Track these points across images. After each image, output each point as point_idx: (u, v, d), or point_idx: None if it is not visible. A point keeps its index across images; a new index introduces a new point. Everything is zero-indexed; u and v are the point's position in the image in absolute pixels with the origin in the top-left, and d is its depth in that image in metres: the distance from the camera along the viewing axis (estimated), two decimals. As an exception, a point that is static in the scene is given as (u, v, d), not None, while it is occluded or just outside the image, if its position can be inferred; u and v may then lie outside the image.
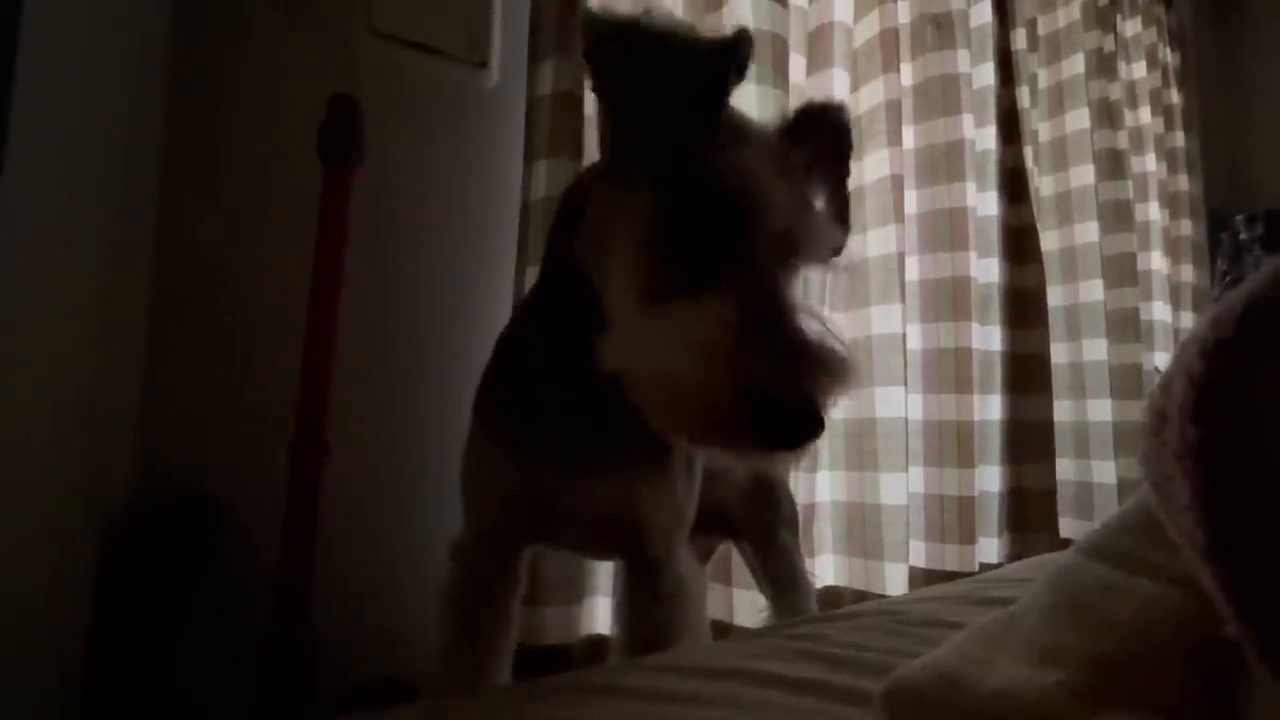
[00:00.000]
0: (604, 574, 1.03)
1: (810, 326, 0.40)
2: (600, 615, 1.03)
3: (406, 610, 0.98)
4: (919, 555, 1.34)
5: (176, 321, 0.94)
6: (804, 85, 1.27)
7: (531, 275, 1.02)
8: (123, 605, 0.82)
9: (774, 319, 0.39)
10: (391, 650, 0.97)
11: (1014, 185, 1.56)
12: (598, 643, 1.02)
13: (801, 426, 0.38)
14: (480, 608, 0.64)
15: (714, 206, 0.43)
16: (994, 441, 1.47)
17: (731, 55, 0.44)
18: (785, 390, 0.37)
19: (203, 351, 0.95)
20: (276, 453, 0.82)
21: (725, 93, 0.44)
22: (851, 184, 1.54)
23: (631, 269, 0.44)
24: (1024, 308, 1.54)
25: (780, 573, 0.87)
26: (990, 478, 1.45)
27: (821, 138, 0.52)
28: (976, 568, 1.31)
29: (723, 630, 1.04)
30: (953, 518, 1.33)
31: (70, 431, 0.75)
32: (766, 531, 0.86)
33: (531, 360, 0.57)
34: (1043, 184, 1.74)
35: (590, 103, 1.09)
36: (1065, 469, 1.63)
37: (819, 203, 0.52)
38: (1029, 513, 1.49)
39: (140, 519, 0.87)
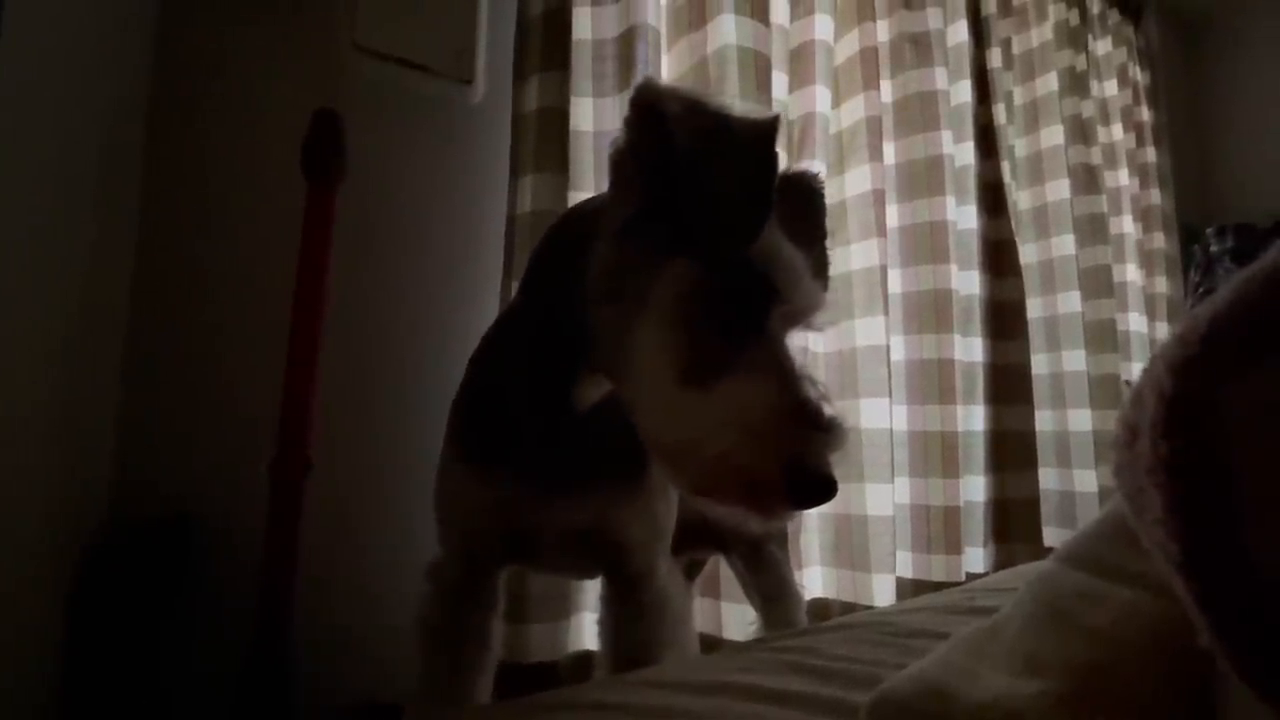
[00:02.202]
0: (589, 590, 1.02)
1: (818, 395, 0.45)
2: (586, 632, 1.02)
3: (389, 630, 0.97)
4: (906, 566, 1.34)
5: (156, 336, 0.93)
6: (787, 101, 1.29)
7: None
8: (99, 625, 0.80)
9: (800, 394, 0.44)
10: (373, 671, 0.95)
11: (992, 199, 1.59)
12: (584, 659, 1.01)
13: (826, 490, 0.43)
14: (458, 629, 0.64)
15: (747, 285, 0.47)
16: (977, 451, 1.48)
17: (775, 138, 0.48)
18: (818, 462, 0.43)
19: (183, 366, 0.94)
20: (257, 469, 0.81)
21: (774, 176, 0.47)
22: (834, 198, 1.55)
23: (669, 345, 0.47)
24: (1004, 319, 1.57)
25: (769, 584, 0.87)
26: (974, 488, 1.47)
27: (797, 203, 0.54)
28: (963, 577, 1.32)
29: (712, 644, 1.03)
30: (938, 528, 1.34)
31: (46, 447, 0.74)
32: (755, 543, 0.87)
33: (508, 383, 0.58)
34: (1020, 198, 1.77)
35: (578, 118, 1.10)
36: (1047, 478, 1.65)
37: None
38: (1013, 522, 1.50)
39: (117, 536, 0.85)
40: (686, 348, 0.46)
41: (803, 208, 0.55)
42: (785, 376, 0.45)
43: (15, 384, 0.68)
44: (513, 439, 0.57)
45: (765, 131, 0.47)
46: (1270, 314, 0.20)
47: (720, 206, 0.46)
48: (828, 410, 0.45)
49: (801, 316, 0.50)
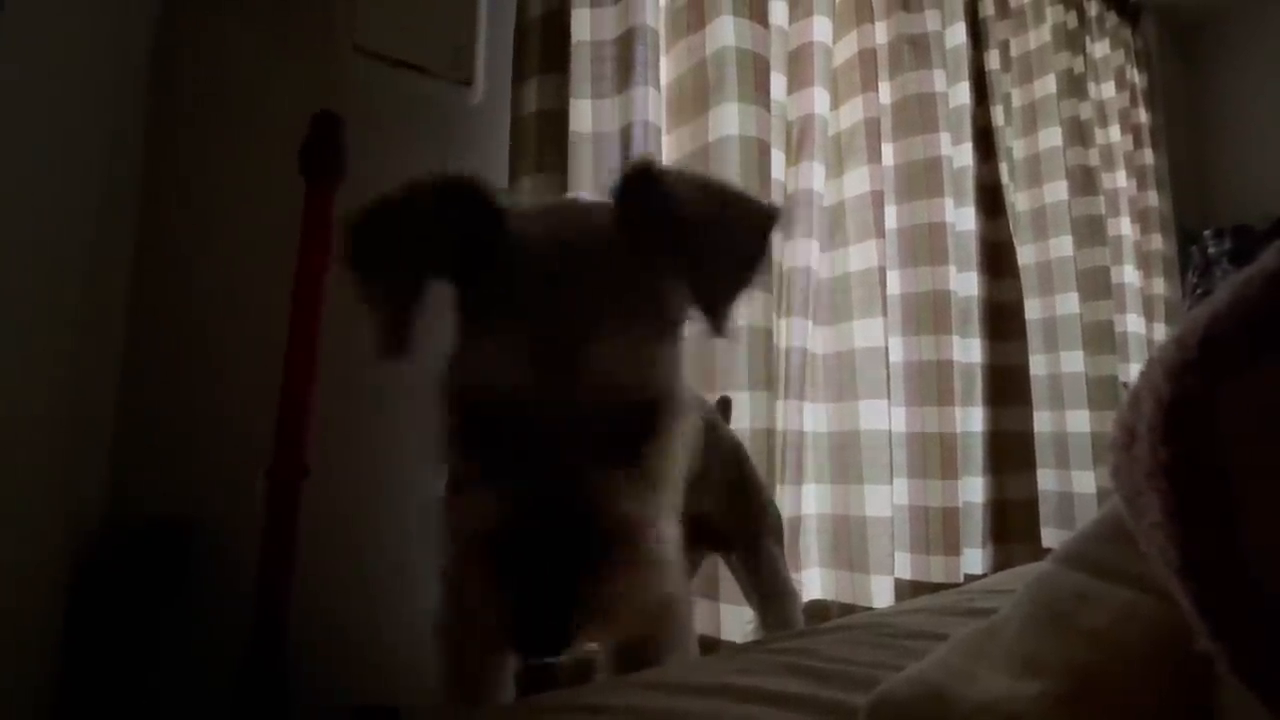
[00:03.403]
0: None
1: (590, 510, 0.38)
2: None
3: (386, 635, 0.97)
4: (904, 567, 1.34)
5: (154, 338, 0.92)
6: (785, 103, 1.29)
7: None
8: (94, 630, 0.80)
9: (520, 519, 0.37)
10: (370, 675, 0.95)
11: (990, 201, 1.60)
12: (584, 662, 1.01)
13: (538, 639, 0.36)
14: (475, 635, 0.63)
15: (467, 402, 0.41)
16: (976, 453, 1.49)
17: (444, 199, 0.45)
18: (511, 610, 0.36)
19: (180, 370, 0.94)
20: (254, 474, 0.81)
21: (442, 242, 0.44)
22: (833, 199, 1.55)
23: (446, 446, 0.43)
24: (1003, 321, 1.57)
25: (766, 582, 0.87)
26: (973, 489, 1.47)
27: (648, 205, 0.44)
28: (961, 579, 1.32)
29: (710, 645, 1.03)
30: (937, 529, 1.34)
31: (41, 452, 0.73)
32: (752, 541, 0.86)
33: None
34: (1018, 199, 1.78)
35: (578, 120, 1.10)
36: (1046, 479, 1.65)
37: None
38: (1011, 523, 1.50)
39: (113, 542, 0.85)
40: (452, 449, 0.43)
41: (653, 214, 0.43)
42: (513, 496, 0.37)
43: (11, 387, 0.68)
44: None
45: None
46: (1268, 316, 0.21)
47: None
48: (579, 528, 0.37)
49: (577, 406, 0.39)
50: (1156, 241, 2.18)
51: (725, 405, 1.01)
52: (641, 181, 0.45)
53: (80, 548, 0.81)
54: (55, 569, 0.78)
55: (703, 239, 0.44)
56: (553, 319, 0.40)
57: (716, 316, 0.43)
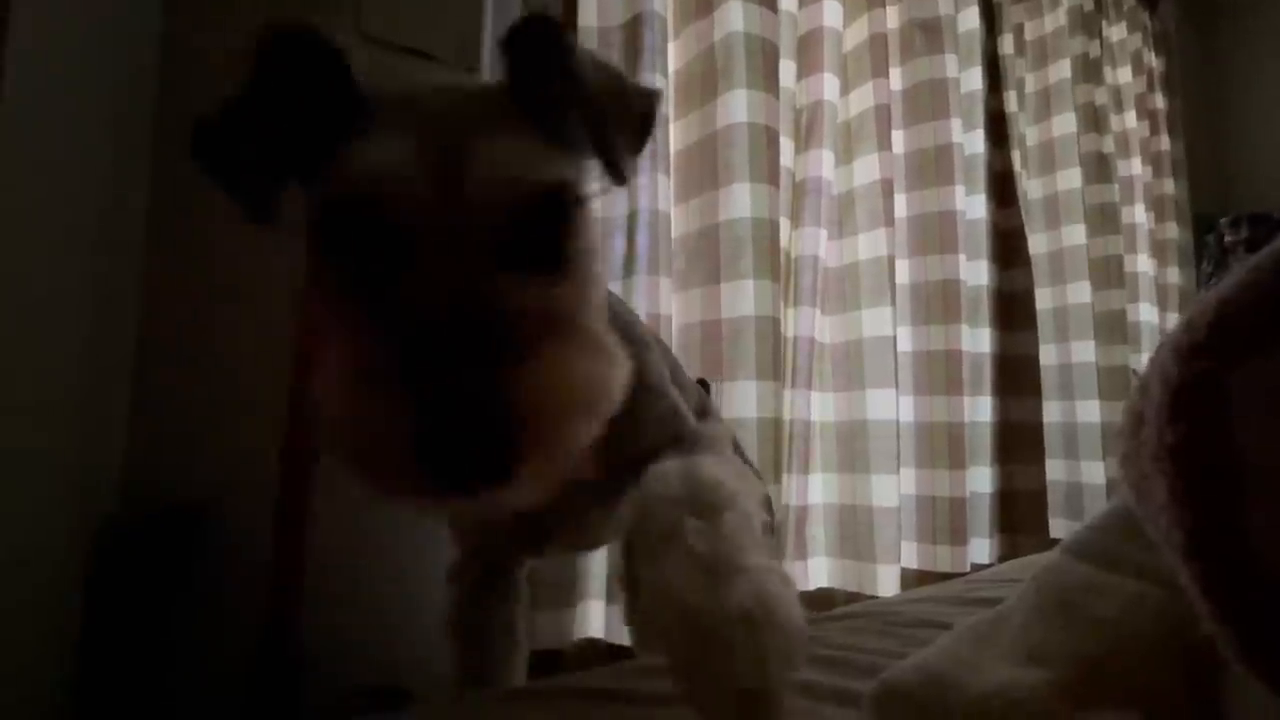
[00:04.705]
0: (597, 579, 1.02)
1: (505, 302, 0.32)
2: (593, 619, 1.03)
3: (399, 618, 0.98)
4: (911, 557, 1.34)
5: (166, 326, 0.93)
6: (794, 90, 1.28)
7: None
8: (110, 614, 0.81)
9: (429, 316, 0.31)
10: (382, 658, 0.96)
11: (1002, 189, 1.58)
12: (590, 647, 1.02)
13: (466, 442, 0.29)
14: (484, 625, 0.63)
15: (346, 221, 0.36)
16: (984, 443, 1.48)
17: (263, 60, 0.39)
18: (435, 399, 0.29)
19: (193, 357, 0.94)
20: (267, 459, 0.82)
21: (267, 100, 0.38)
22: (842, 187, 1.53)
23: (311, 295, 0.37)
24: (1013, 310, 1.55)
25: None
26: (981, 479, 1.46)
27: (538, 61, 0.40)
28: (968, 569, 1.31)
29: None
30: (944, 519, 1.34)
31: (57, 437, 0.74)
32: None
33: None
34: (1030, 187, 1.75)
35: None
36: (1055, 470, 1.64)
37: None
38: (1019, 513, 1.50)
39: (128, 526, 0.86)
40: (322, 309, 0.36)
41: (539, 59, 0.40)
42: (413, 303, 0.31)
43: (25, 375, 0.69)
44: None
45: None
46: (1278, 300, 0.20)
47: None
48: (494, 316, 0.31)
49: (468, 196, 0.34)
50: (1171, 230, 2.15)
51: (703, 388, 1.00)
52: (537, 33, 0.41)
53: (94, 534, 0.83)
54: (70, 556, 0.79)
55: (602, 97, 0.40)
56: (436, 123, 0.36)
57: (615, 167, 0.39)
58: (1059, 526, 1.57)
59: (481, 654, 0.62)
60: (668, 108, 1.13)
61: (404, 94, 0.40)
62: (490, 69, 1.01)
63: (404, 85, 0.41)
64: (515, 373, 0.30)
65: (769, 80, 1.15)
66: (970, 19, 1.58)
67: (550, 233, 0.37)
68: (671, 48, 1.18)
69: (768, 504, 0.89)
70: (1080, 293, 1.72)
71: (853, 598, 1.23)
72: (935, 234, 1.41)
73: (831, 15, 1.29)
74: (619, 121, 0.41)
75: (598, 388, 0.33)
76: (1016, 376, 1.53)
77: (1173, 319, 2.08)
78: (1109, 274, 1.80)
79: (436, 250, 0.33)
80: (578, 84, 0.40)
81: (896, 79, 1.45)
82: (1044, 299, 1.69)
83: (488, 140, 0.35)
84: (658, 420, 0.54)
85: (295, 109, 0.40)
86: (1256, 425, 0.20)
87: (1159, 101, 2.17)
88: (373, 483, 0.31)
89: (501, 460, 0.30)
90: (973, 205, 1.51)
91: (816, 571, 1.28)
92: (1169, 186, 2.16)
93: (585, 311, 0.36)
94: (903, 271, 1.40)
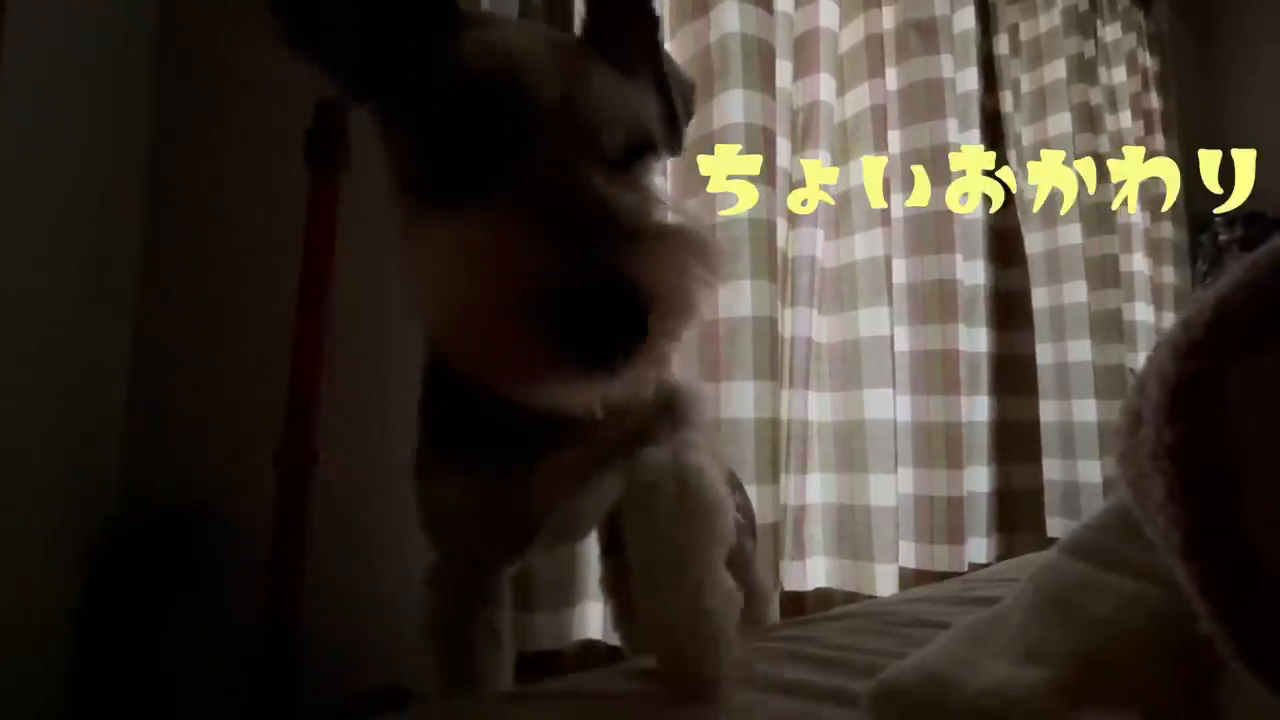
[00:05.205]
0: (595, 580, 1.02)
1: (621, 201, 0.33)
2: (591, 620, 1.02)
3: (398, 620, 0.97)
4: (909, 556, 1.34)
5: (162, 328, 0.93)
6: (790, 90, 1.28)
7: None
8: (107, 618, 0.81)
9: (560, 202, 0.31)
10: (382, 660, 0.96)
11: (998, 188, 1.58)
12: (589, 648, 1.02)
13: (610, 317, 0.29)
14: (466, 629, 0.61)
15: (468, 101, 0.35)
16: (981, 442, 1.48)
17: None
18: (579, 276, 0.29)
19: (188, 359, 0.94)
20: (264, 461, 0.82)
21: None
22: (839, 187, 1.53)
23: (398, 204, 0.37)
24: (1009, 310, 1.56)
25: (737, 579, 0.83)
26: (978, 478, 1.46)
27: (621, 27, 0.44)
28: (966, 568, 1.32)
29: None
30: (942, 518, 1.34)
31: (53, 441, 0.74)
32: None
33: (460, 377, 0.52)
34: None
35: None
36: (1052, 469, 1.64)
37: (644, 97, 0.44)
38: (1017, 512, 1.50)
39: (125, 530, 0.86)
40: (413, 199, 0.36)
41: (622, 24, 0.43)
42: (537, 184, 0.32)
43: (22, 380, 0.69)
44: (479, 428, 0.50)
45: None
46: (1276, 298, 0.20)
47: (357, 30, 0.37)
48: (625, 207, 0.32)
49: (591, 117, 0.36)
50: (1167, 229, 2.16)
51: None
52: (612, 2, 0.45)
53: (93, 537, 0.82)
54: (68, 559, 0.79)
55: (669, 64, 0.44)
56: (552, 41, 0.38)
57: (679, 138, 0.43)
58: (1056, 525, 1.58)
59: (465, 659, 0.60)
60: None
61: (503, 16, 0.43)
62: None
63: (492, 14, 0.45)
64: (641, 262, 0.31)
65: (765, 81, 1.15)
66: (966, 19, 1.58)
67: (630, 175, 0.39)
68: (668, 47, 1.17)
69: (751, 521, 0.88)
70: (1076, 292, 1.73)
71: (851, 597, 1.23)
72: (932, 233, 1.42)
73: (828, 16, 1.29)
74: (684, 100, 0.45)
75: (700, 288, 0.35)
76: (1013, 376, 1.54)
77: (1169, 318, 2.09)
78: (1105, 273, 1.81)
79: (556, 146, 0.34)
80: (659, 57, 0.44)
81: (893, 79, 1.45)
82: (1040, 298, 1.70)
83: (605, 72, 0.38)
84: (745, 504, 0.67)
85: None
86: (1255, 424, 0.20)
87: (1154, 101, 2.18)
88: (506, 368, 0.32)
89: (637, 339, 0.31)
90: (969, 205, 1.51)
91: (815, 571, 1.28)
92: (1164, 185, 2.16)
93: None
94: (899, 271, 1.41)
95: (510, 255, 0.30)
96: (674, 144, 0.44)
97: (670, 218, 0.36)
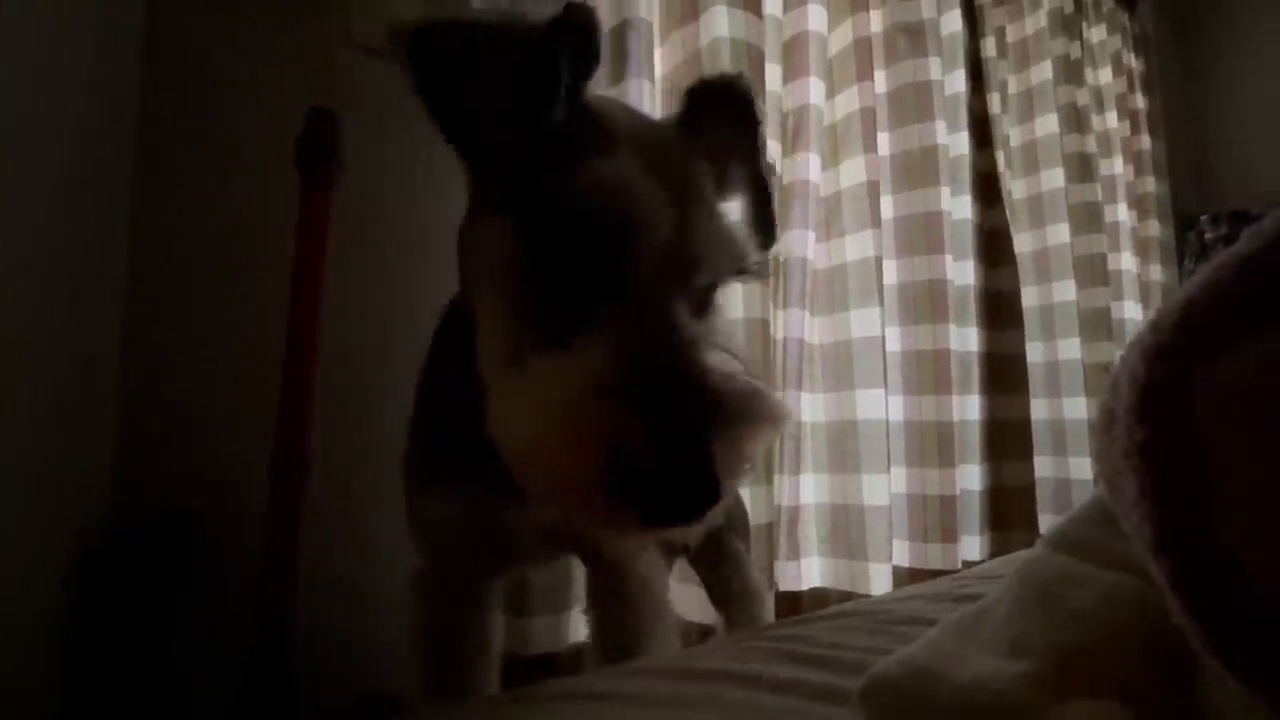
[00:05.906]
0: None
1: (711, 365, 0.34)
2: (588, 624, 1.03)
3: (391, 624, 0.97)
4: (903, 555, 1.35)
5: (153, 333, 0.93)
6: (780, 93, 1.29)
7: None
8: (99, 622, 0.81)
9: (652, 365, 0.33)
10: (376, 664, 0.96)
11: (987, 189, 1.60)
12: (584, 651, 1.02)
13: (682, 497, 0.32)
14: (454, 634, 0.61)
15: (578, 231, 0.36)
16: (973, 441, 1.49)
17: (558, 34, 0.38)
18: (655, 453, 0.31)
19: (180, 363, 0.94)
20: (257, 465, 0.82)
21: (555, 82, 0.37)
22: (829, 190, 1.53)
23: (496, 319, 0.38)
24: (999, 309, 1.57)
25: (730, 581, 0.82)
26: (970, 476, 1.47)
27: (722, 120, 0.45)
28: (959, 565, 1.33)
29: (707, 631, 1.04)
30: (935, 517, 1.35)
31: (44, 445, 0.74)
32: (717, 539, 0.81)
33: (454, 388, 0.50)
34: (1015, 187, 1.77)
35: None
36: (1043, 466, 1.66)
37: (737, 199, 0.47)
38: (1009, 510, 1.51)
39: (117, 534, 0.85)
40: (512, 322, 0.37)
41: (728, 126, 0.45)
42: (633, 338, 0.34)
43: (12, 381, 0.68)
44: (468, 442, 0.51)
45: (516, 28, 0.39)
46: (1242, 299, 0.21)
47: (482, 132, 0.39)
48: (713, 378, 0.34)
49: (696, 263, 0.38)
50: (1154, 227, 2.18)
51: None
52: (720, 92, 0.46)
53: (84, 541, 0.82)
54: (59, 562, 0.79)
55: (763, 161, 0.46)
56: (668, 168, 0.38)
57: (769, 237, 0.45)
58: (1048, 522, 1.59)
59: (450, 665, 0.61)
60: (656, 113, 1.14)
61: (628, 123, 0.42)
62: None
63: (617, 108, 0.44)
64: (723, 442, 0.33)
65: (755, 85, 1.15)
66: (953, 22, 1.60)
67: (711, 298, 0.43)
68: (658, 54, 1.18)
69: (745, 523, 0.89)
70: (1065, 291, 1.74)
71: (846, 596, 1.24)
72: (922, 235, 1.43)
73: (816, 20, 1.30)
74: (768, 186, 0.46)
75: (761, 453, 0.39)
76: (1004, 374, 1.55)
77: (1156, 316, 2.11)
78: (1093, 272, 1.83)
79: (656, 292, 0.36)
80: (758, 160, 0.46)
81: (881, 82, 1.46)
82: (1030, 297, 1.71)
83: (709, 208, 0.39)
84: (739, 504, 0.74)
85: (529, 80, 0.39)
86: (1224, 422, 0.21)
87: (1139, 101, 2.21)
88: (577, 509, 0.34)
89: (710, 505, 0.33)
90: (958, 206, 1.53)
91: (809, 571, 1.28)
92: (1150, 185, 2.19)
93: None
94: (890, 272, 1.42)
95: (605, 424, 0.32)
96: (765, 241, 0.46)
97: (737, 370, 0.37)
